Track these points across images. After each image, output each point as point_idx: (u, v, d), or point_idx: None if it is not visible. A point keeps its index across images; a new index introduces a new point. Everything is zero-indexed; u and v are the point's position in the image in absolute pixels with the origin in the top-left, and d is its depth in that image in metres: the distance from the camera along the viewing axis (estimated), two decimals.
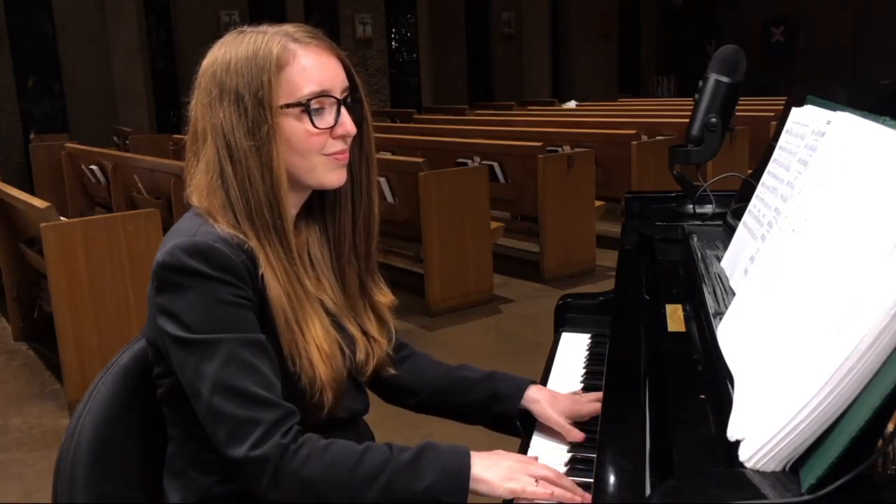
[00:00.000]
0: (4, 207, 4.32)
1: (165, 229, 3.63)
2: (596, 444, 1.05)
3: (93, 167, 6.24)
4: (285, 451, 1.04)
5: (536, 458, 1.16)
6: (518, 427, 1.31)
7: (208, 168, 1.15)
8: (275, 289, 1.13)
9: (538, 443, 1.26)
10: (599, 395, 1.27)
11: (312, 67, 1.15)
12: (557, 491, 1.05)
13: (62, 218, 3.51)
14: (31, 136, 9.07)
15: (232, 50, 1.15)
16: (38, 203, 3.58)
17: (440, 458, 1.06)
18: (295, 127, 1.15)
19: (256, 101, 1.12)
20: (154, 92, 10.67)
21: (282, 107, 1.14)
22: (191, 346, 1.07)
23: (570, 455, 1.20)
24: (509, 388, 1.32)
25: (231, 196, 1.14)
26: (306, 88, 1.14)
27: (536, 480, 1.05)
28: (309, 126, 1.15)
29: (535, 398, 1.30)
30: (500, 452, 1.11)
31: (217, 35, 1.22)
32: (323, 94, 1.15)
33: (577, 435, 1.24)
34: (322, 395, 1.15)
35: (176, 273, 1.08)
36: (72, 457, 1.18)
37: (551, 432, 1.28)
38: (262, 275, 1.12)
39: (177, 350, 1.09)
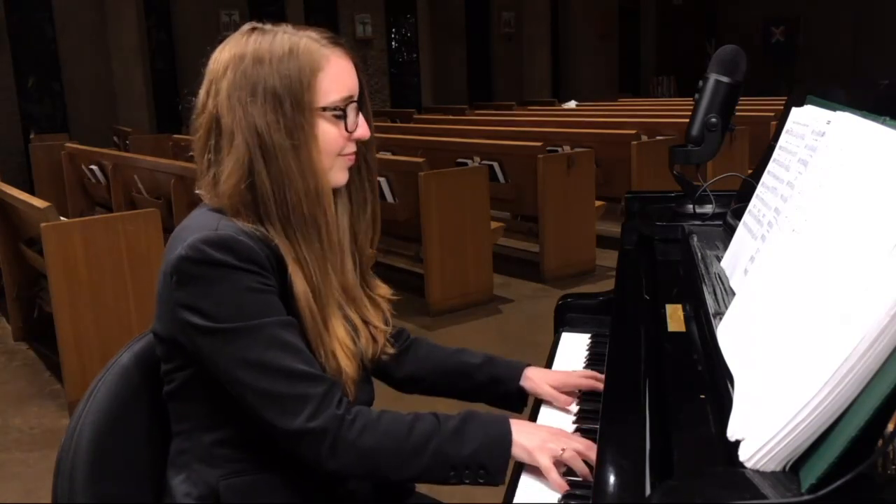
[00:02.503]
0: (4, 207, 4.32)
1: (165, 229, 3.62)
2: (598, 416, 1.10)
3: (93, 167, 6.25)
4: (342, 422, 1.10)
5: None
6: (517, 405, 1.43)
7: (238, 164, 1.14)
8: (300, 285, 1.15)
9: (545, 414, 1.35)
10: (591, 373, 1.41)
11: (341, 73, 1.19)
12: (582, 465, 1.11)
13: (62, 218, 3.51)
14: (31, 136, 9.07)
15: (264, 47, 1.15)
16: (38, 203, 3.58)
17: (484, 425, 1.15)
18: (328, 129, 1.18)
19: (295, 101, 1.14)
20: (154, 92, 10.67)
21: (319, 109, 1.16)
22: (227, 336, 1.09)
23: (574, 427, 1.29)
24: (508, 371, 1.42)
25: (263, 194, 1.14)
26: (338, 93, 1.18)
27: (563, 450, 1.11)
28: (342, 130, 1.19)
29: (529, 377, 1.40)
30: (538, 424, 1.24)
31: (217, 35, 1.22)
32: (350, 100, 1.20)
33: (565, 399, 1.36)
34: (345, 388, 1.18)
35: (202, 266, 1.09)
36: (72, 457, 1.18)
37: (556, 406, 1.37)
38: (290, 273, 1.14)
39: (209, 341, 1.10)
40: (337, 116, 1.18)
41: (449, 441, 1.12)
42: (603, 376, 1.33)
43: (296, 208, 1.15)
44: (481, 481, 1.13)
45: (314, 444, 1.09)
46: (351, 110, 1.20)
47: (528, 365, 1.42)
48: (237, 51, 1.16)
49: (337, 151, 1.20)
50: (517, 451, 1.14)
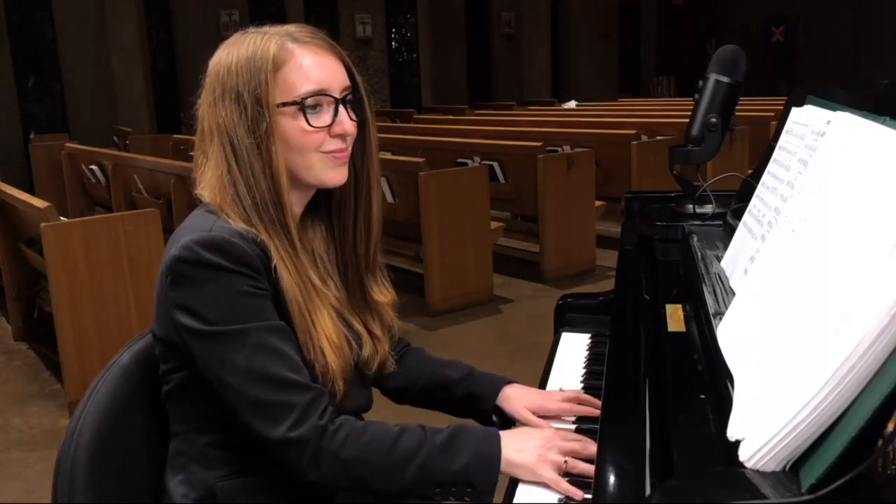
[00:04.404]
0: (4, 207, 4.32)
1: (165, 229, 3.63)
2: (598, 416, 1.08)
3: (93, 167, 6.25)
4: (324, 432, 1.09)
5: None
6: (496, 423, 1.35)
7: (217, 165, 1.17)
8: (287, 280, 1.15)
9: None
10: (571, 393, 1.33)
11: (310, 66, 1.17)
12: (584, 467, 1.09)
13: (62, 218, 3.51)
14: (31, 136, 9.07)
15: (234, 50, 1.17)
16: (38, 203, 3.58)
17: (472, 440, 1.12)
18: (291, 125, 1.16)
19: (255, 100, 1.14)
20: (154, 92, 10.66)
21: (278, 105, 1.15)
22: (216, 338, 1.09)
23: (574, 427, 1.26)
24: (486, 388, 1.37)
25: (239, 192, 1.16)
26: (303, 87, 1.16)
27: (566, 460, 1.09)
28: (304, 124, 1.16)
29: (508, 396, 1.35)
30: (527, 430, 1.21)
31: (217, 35, 1.23)
32: (320, 93, 1.17)
33: (540, 423, 1.29)
34: (334, 384, 1.18)
35: (194, 267, 1.09)
36: (72, 457, 1.18)
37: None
38: (275, 267, 1.14)
39: (199, 343, 1.10)
40: (298, 110, 1.15)
41: (436, 456, 1.10)
42: (587, 397, 1.31)
43: (264, 206, 1.15)
44: (468, 500, 1.10)
45: (296, 453, 1.08)
46: (326, 104, 1.17)
47: (511, 382, 1.37)
48: (216, 57, 1.19)
49: (312, 147, 1.17)
50: (515, 471, 1.10)
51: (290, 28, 1.19)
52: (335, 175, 1.21)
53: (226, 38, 1.21)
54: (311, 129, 1.16)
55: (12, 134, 9.71)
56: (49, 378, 3.94)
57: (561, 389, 1.37)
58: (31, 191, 5.51)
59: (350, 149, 1.22)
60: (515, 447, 1.11)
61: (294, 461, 1.09)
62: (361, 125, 1.23)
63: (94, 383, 1.24)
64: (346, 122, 1.19)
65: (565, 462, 1.09)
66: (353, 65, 1.23)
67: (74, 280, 3.36)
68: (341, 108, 1.18)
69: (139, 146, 7.65)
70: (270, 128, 1.14)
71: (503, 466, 1.10)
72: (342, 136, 1.19)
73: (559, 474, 1.09)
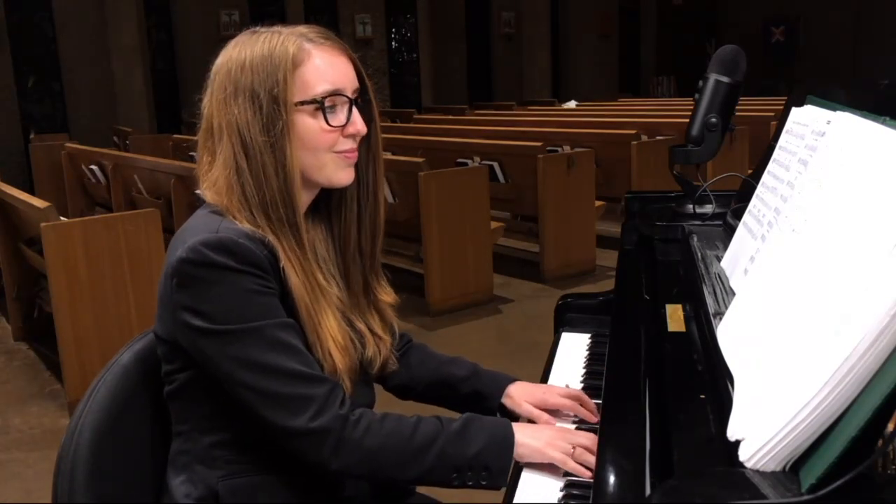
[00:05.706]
0: (4, 207, 4.32)
1: (165, 229, 3.62)
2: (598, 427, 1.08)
3: (93, 167, 6.25)
4: (346, 421, 1.11)
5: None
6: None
7: (226, 163, 1.17)
8: (294, 281, 1.16)
9: None
10: (574, 392, 1.33)
11: (326, 67, 1.17)
12: (592, 458, 1.11)
13: (62, 218, 3.51)
14: (31, 136, 9.07)
15: (247, 49, 1.17)
16: (38, 203, 3.58)
17: (486, 426, 1.17)
18: (309, 124, 1.17)
19: (271, 98, 1.14)
20: (154, 92, 10.66)
21: (296, 104, 1.16)
22: (228, 337, 1.09)
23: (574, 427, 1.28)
24: (491, 386, 1.38)
25: (247, 191, 1.16)
26: (320, 87, 1.17)
27: (574, 448, 1.13)
28: (323, 123, 1.17)
29: (510, 394, 1.36)
30: (539, 424, 1.26)
31: (217, 35, 1.24)
32: (336, 93, 1.18)
33: (547, 419, 1.30)
34: (342, 383, 1.18)
35: (201, 268, 1.09)
36: (72, 457, 1.18)
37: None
38: (283, 267, 1.14)
39: (209, 343, 1.10)
40: (316, 109, 1.16)
41: (452, 442, 1.13)
42: (589, 402, 1.30)
43: (273, 206, 1.16)
44: (484, 483, 1.13)
45: (317, 443, 1.09)
46: (341, 104, 1.18)
47: (515, 380, 1.38)
48: (228, 53, 1.19)
49: (326, 147, 1.18)
50: (525, 452, 1.14)
51: (303, 29, 1.20)
52: (344, 175, 1.22)
53: (226, 37, 1.22)
54: (328, 128, 1.17)
55: (12, 134, 9.71)
56: (49, 378, 3.94)
57: (567, 386, 1.38)
58: (31, 191, 5.51)
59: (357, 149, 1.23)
60: (527, 433, 1.16)
61: (314, 452, 1.10)
62: (367, 126, 1.24)
63: (94, 383, 1.24)
64: (359, 122, 1.20)
65: (574, 449, 1.13)
66: (362, 67, 1.24)
67: (74, 280, 3.36)
68: (355, 109, 1.20)
69: (139, 146, 7.65)
70: (286, 126, 1.15)
71: (515, 449, 1.14)
72: (354, 137, 1.20)
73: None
